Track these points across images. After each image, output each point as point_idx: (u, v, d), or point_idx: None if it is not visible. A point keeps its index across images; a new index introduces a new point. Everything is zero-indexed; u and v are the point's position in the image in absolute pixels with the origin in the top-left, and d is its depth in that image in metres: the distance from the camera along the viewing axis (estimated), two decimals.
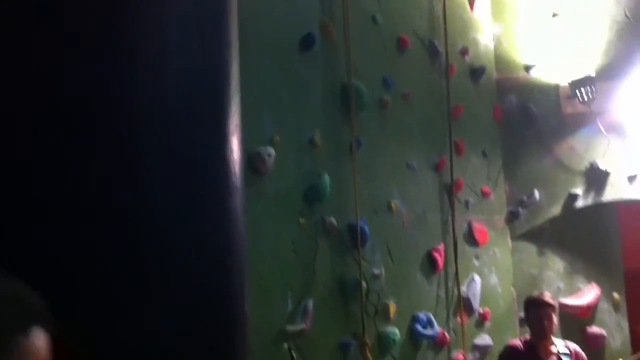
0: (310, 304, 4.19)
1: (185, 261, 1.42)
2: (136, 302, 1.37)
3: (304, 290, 4.17)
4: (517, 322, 5.51)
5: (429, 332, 4.79)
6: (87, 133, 1.43)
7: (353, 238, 4.44)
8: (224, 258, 1.51)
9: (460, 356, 4.98)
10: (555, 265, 5.73)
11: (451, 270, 5.10)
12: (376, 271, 4.60)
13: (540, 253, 5.69)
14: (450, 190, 5.18)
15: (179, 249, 1.42)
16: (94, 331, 1.32)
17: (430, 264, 4.99)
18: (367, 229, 4.53)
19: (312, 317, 4.16)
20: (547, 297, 4.24)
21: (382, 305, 4.58)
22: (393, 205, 4.79)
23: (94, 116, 1.42)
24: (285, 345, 3.74)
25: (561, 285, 5.68)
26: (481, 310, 5.26)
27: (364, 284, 4.47)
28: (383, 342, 4.53)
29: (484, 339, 5.21)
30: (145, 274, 1.39)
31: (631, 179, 5.34)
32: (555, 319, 4.16)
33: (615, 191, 5.44)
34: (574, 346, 4.25)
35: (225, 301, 1.49)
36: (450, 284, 5.10)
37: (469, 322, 5.18)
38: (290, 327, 4.03)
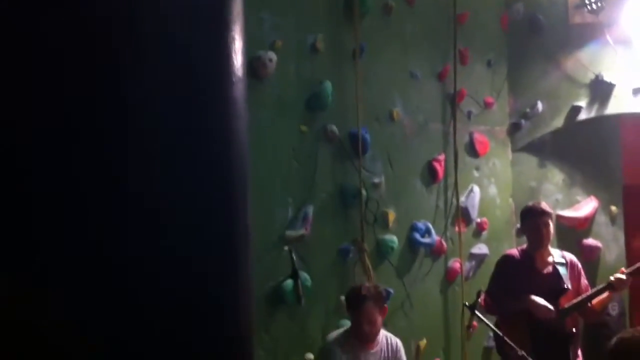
0: (311, 210, 4.23)
1: (185, 170, 1.39)
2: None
3: (305, 197, 4.20)
4: (514, 233, 5.57)
5: (426, 240, 4.85)
6: None
7: (354, 146, 4.43)
8: (224, 165, 1.47)
9: (457, 264, 5.06)
10: (555, 177, 5.74)
11: (451, 180, 5.11)
12: (376, 180, 4.62)
13: (541, 165, 5.69)
14: (453, 100, 5.13)
15: (177, 156, 1.39)
16: None
17: (430, 174, 4.99)
18: (368, 137, 4.51)
19: (312, 224, 4.20)
20: (544, 206, 4.25)
21: (382, 213, 4.62)
22: (395, 114, 4.75)
23: None
24: (286, 248, 3.79)
25: (560, 197, 5.71)
26: (479, 221, 5.30)
27: (364, 192, 4.49)
28: (381, 249, 4.59)
29: (480, 249, 5.28)
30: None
31: (636, 91, 5.27)
32: (551, 228, 4.18)
33: (619, 104, 5.37)
34: (570, 256, 4.29)
35: (227, 207, 1.47)
36: (449, 194, 5.12)
37: (467, 232, 5.23)
38: (291, 233, 4.08)
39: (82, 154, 1.33)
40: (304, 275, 4.03)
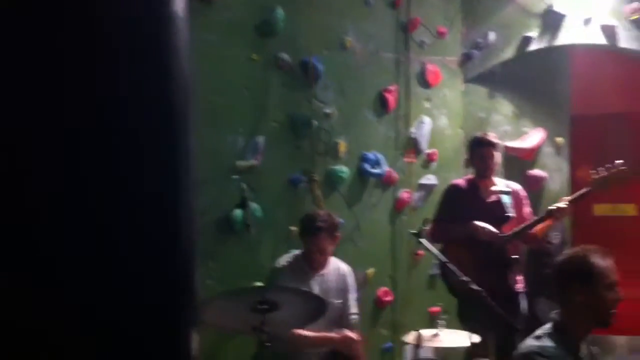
0: (262, 140, 4.20)
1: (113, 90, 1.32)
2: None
3: (255, 127, 4.17)
4: (462, 164, 5.65)
5: (376, 171, 4.89)
6: None
7: (306, 75, 4.38)
8: (162, 98, 1.41)
9: (406, 195, 5.13)
10: (504, 108, 5.80)
11: (402, 111, 5.12)
12: (327, 110, 4.59)
13: (490, 96, 5.73)
14: (405, 29, 5.08)
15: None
16: None
17: (381, 104, 4.99)
18: (320, 66, 4.46)
19: (263, 154, 4.18)
20: (491, 136, 4.31)
21: (332, 144, 4.62)
22: (347, 42, 4.70)
23: None
24: (236, 177, 3.77)
25: (508, 128, 5.79)
26: (429, 151, 5.35)
27: (315, 122, 4.48)
28: (331, 179, 4.61)
29: (429, 179, 5.34)
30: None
31: (587, 22, 5.30)
32: (497, 158, 4.25)
33: (570, 35, 5.40)
34: (514, 185, 4.38)
35: (164, 130, 1.41)
36: (400, 124, 5.14)
37: (417, 163, 5.29)
38: (241, 163, 4.06)
39: None
40: (254, 205, 4.04)
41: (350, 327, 3.75)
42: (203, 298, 2.79)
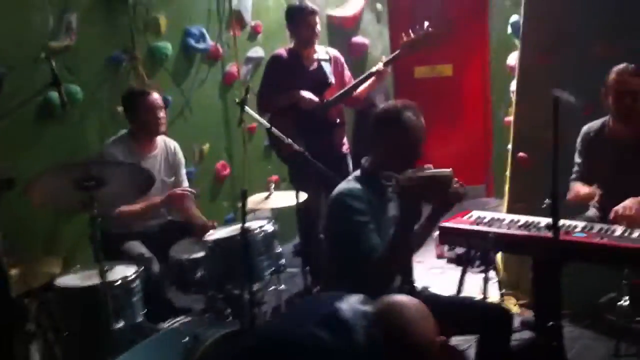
0: (74, 18, 3.99)
1: None
2: None
3: (66, 4, 3.94)
4: (288, 34, 5.70)
5: (201, 45, 4.83)
6: None
7: None
8: None
9: (234, 68, 5.14)
10: None
11: None
12: None
13: None
14: None
15: None
16: None
17: None
18: None
19: (77, 32, 3.99)
20: (310, 4, 4.34)
21: (152, 19, 4.48)
22: None
23: None
24: (42, 55, 3.59)
25: None
26: (253, 24, 5.34)
27: None
28: (155, 57, 4.51)
29: (256, 52, 5.37)
30: None
31: None
32: (318, 26, 4.31)
33: None
34: (334, 52, 4.49)
35: None
36: None
37: (242, 36, 5.27)
38: (54, 43, 3.86)
39: None
40: (74, 87, 3.90)
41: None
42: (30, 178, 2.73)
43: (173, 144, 3.92)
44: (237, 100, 3.54)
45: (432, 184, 2.33)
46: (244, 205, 2.90)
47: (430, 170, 2.35)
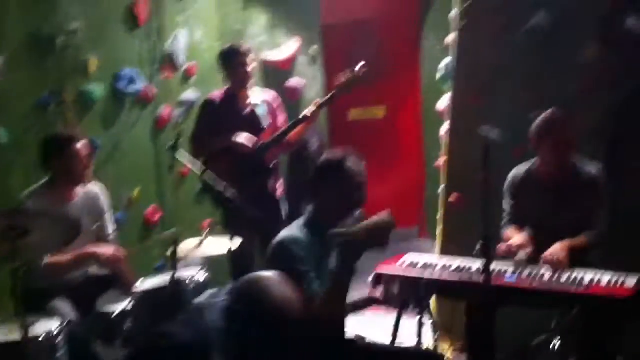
0: (1, 60, 3.89)
1: None
2: None
3: None
4: (223, 77, 5.68)
5: (132, 89, 4.75)
6: None
7: None
8: None
9: (167, 111, 5.07)
10: (260, 19, 5.88)
11: (155, 24, 4.98)
12: (74, 25, 4.34)
13: (245, 8, 5.78)
14: None
15: None
16: None
17: (132, 18, 4.81)
18: None
19: (4, 74, 3.88)
20: (243, 46, 4.35)
21: (82, 62, 4.40)
22: None
23: None
24: None
25: (264, 39, 5.90)
26: (187, 66, 5.30)
27: (60, 38, 4.22)
28: (84, 100, 4.42)
29: (190, 94, 5.31)
30: None
31: None
32: (251, 67, 4.31)
33: None
34: (269, 94, 4.48)
35: None
36: (154, 38, 5.00)
37: (175, 78, 5.22)
38: None
39: None
40: (1, 130, 3.78)
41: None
42: None
43: (96, 189, 3.72)
44: (169, 144, 3.49)
45: (376, 232, 2.37)
46: (174, 253, 2.83)
47: (372, 219, 2.39)
